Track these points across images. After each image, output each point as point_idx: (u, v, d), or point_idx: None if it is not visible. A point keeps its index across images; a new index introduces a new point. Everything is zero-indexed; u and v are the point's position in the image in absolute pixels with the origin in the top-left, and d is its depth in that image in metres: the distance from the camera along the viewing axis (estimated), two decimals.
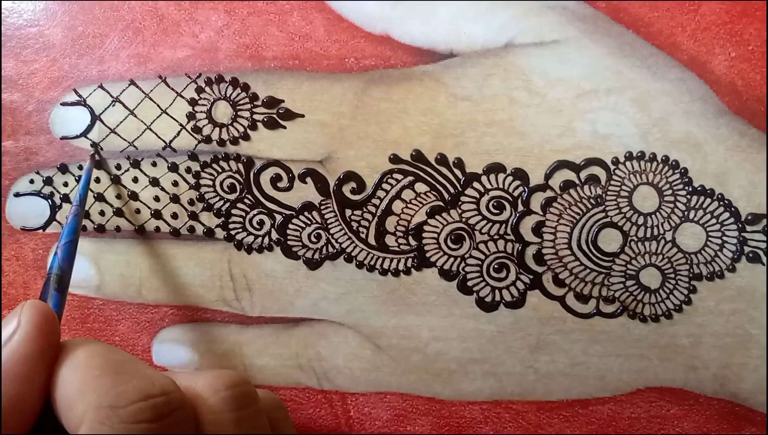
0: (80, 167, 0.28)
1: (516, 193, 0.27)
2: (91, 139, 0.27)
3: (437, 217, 0.27)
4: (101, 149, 0.27)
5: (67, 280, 0.23)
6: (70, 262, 0.23)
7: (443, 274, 0.27)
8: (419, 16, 0.26)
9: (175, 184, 0.27)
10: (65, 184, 0.28)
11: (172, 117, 0.27)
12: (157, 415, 0.18)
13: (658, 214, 0.26)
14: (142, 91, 0.27)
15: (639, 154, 0.26)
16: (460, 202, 0.27)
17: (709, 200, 0.26)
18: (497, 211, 0.27)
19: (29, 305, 0.20)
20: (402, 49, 0.27)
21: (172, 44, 0.27)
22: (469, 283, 0.27)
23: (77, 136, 0.28)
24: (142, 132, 0.27)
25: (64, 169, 0.28)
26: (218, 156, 0.27)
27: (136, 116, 0.27)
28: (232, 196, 0.27)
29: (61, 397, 0.19)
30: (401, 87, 0.27)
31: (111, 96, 0.27)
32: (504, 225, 0.27)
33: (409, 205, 0.27)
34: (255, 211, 0.27)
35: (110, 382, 0.18)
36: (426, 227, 0.27)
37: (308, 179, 0.27)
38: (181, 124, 0.27)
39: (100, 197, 0.28)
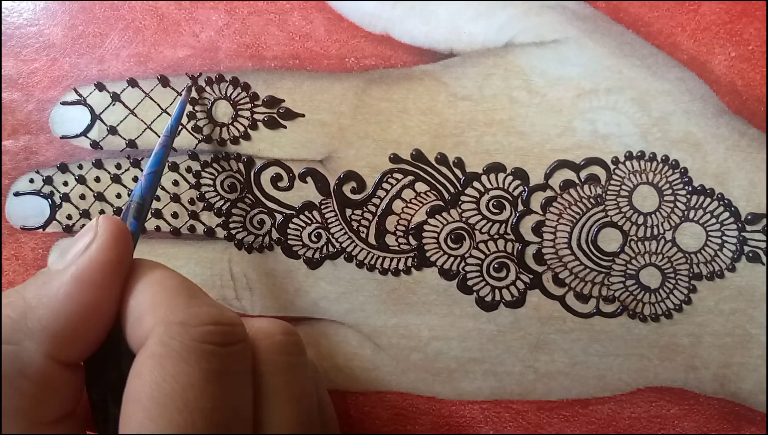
0: (80, 166, 0.28)
1: (516, 193, 0.27)
2: (91, 139, 0.27)
3: (437, 216, 0.27)
4: (196, 85, 0.27)
5: (147, 209, 0.23)
6: (152, 192, 0.23)
7: (443, 274, 0.27)
8: (419, 15, 0.26)
9: (176, 183, 0.27)
10: (65, 184, 0.28)
11: (195, 94, 0.27)
12: (224, 341, 0.18)
13: (658, 213, 0.26)
14: (143, 91, 0.27)
15: (639, 154, 0.26)
16: (460, 202, 0.27)
17: (709, 200, 0.26)
18: (497, 211, 0.27)
19: (105, 218, 0.20)
20: (402, 49, 0.27)
21: (173, 44, 0.27)
22: (469, 283, 0.27)
23: (77, 136, 0.28)
24: (142, 131, 0.27)
25: (63, 168, 0.28)
26: (219, 155, 0.27)
27: (136, 115, 0.27)
28: (233, 196, 0.27)
29: (132, 308, 0.19)
30: (401, 86, 0.27)
31: (111, 95, 0.27)
32: (504, 224, 0.27)
33: (409, 205, 0.27)
34: (255, 211, 0.27)
35: (184, 302, 0.19)
36: (426, 227, 0.27)
37: (308, 179, 0.27)
38: (181, 124, 0.27)
39: (100, 197, 0.28)
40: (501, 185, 0.27)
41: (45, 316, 0.18)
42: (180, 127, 0.27)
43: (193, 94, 0.27)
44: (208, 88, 0.27)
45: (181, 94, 0.27)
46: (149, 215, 0.28)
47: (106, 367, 0.19)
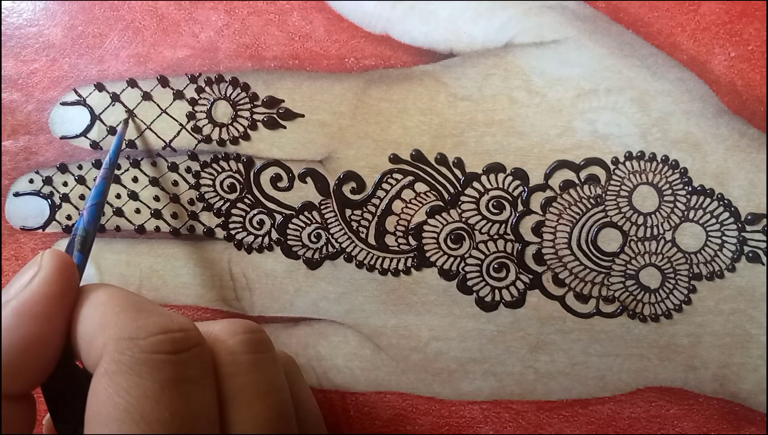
0: (80, 167, 0.28)
1: (516, 193, 0.27)
2: (91, 139, 0.27)
3: (437, 216, 0.27)
4: (134, 116, 0.27)
5: (90, 241, 0.23)
6: (95, 224, 0.23)
7: (443, 274, 0.27)
8: (419, 15, 0.26)
9: (175, 183, 0.27)
10: (65, 184, 0.28)
11: (172, 117, 0.27)
12: (176, 349, 0.18)
13: (657, 213, 0.26)
14: (142, 91, 0.27)
15: (639, 154, 0.26)
16: (460, 202, 0.27)
17: (708, 200, 0.26)
18: (497, 211, 0.27)
19: (49, 252, 0.20)
20: (402, 49, 0.27)
21: (172, 44, 0.27)
22: (469, 283, 0.27)
23: (77, 136, 0.28)
24: (142, 132, 0.27)
25: (63, 168, 0.28)
26: (218, 156, 0.27)
27: (135, 116, 0.27)
28: (232, 196, 0.27)
29: (82, 333, 0.19)
30: (401, 87, 0.27)
31: (111, 96, 0.27)
32: (504, 225, 0.27)
33: (409, 205, 0.27)
34: (255, 211, 0.27)
35: (131, 317, 0.19)
36: (426, 227, 0.27)
37: (308, 179, 0.27)
38: (181, 124, 0.27)
39: None
40: (501, 185, 0.27)
41: None
42: (180, 127, 0.27)
43: (193, 93, 0.27)
44: (207, 89, 0.27)
45: (181, 94, 0.27)
46: (149, 216, 0.28)
47: (68, 398, 0.19)
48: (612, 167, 0.26)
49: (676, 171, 0.26)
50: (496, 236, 0.27)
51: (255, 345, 0.21)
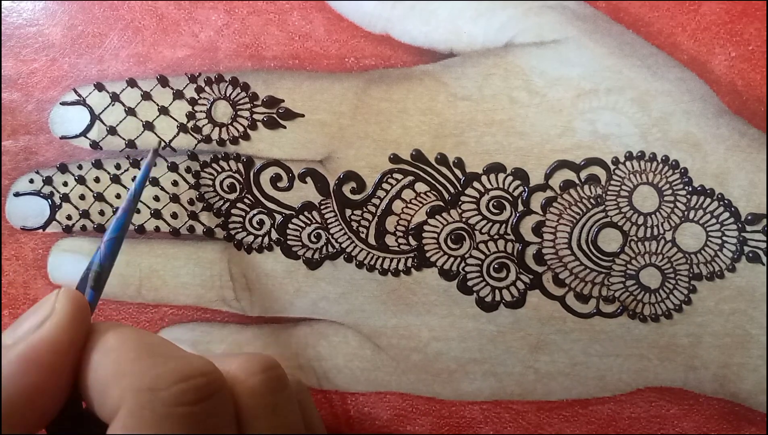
0: (80, 167, 0.28)
1: (516, 193, 0.27)
2: (91, 139, 0.27)
3: (437, 217, 0.27)
4: (164, 148, 0.27)
5: (105, 278, 0.22)
6: (112, 260, 0.22)
7: (443, 274, 0.27)
8: (419, 15, 0.26)
9: (175, 183, 0.27)
10: (65, 184, 0.28)
11: (171, 116, 0.27)
12: (199, 397, 0.18)
13: (658, 214, 0.26)
14: (142, 91, 0.27)
15: (639, 154, 0.26)
16: (460, 202, 0.27)
17: (709, 200, 0.26)
18: (497, 211, 0.27)
19: (65, 293, 0.19)
20: (402, 49, 0.27)
21: (172, 44, 0.27)
22: (469, 283, 0.27)
23: (77, 136, 0.28)
24: (142, 132, 0.27)
25: (63, 168, 0.28)
26: (218, 156, 0.27)
27: (135, 116, 0.27)
28: (232, 196, 0.27)
29: (93, 382, 0.18)
30: (401, 87, 0.27)
31: (110, 95, 0.27)
32: (504, 225, 0.27)
33: (409, 205, 0.27)
34: (255, 211, 0.27)
35: (147, 365, 0.18)
36: (426, 227, 0.27)
37: (308, 179, 0.27)
38: (180, 124, 0.27)
39: (99, 197, 0.28)
40: (501, 185, 0.27)
41: None
42: (179, 126, 0.27)
43: (192, 93, 0.27)
44: (207, 88, 0.27)
45: (181, 94, 0.27)
46: (149, 216, 0.28)
47: None
48: (612, 167, 0.26)
49: (676, 171, 0.26)
50: (496, 236, 0.27)
51: (274, 384, 0.21)
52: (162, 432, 0.17)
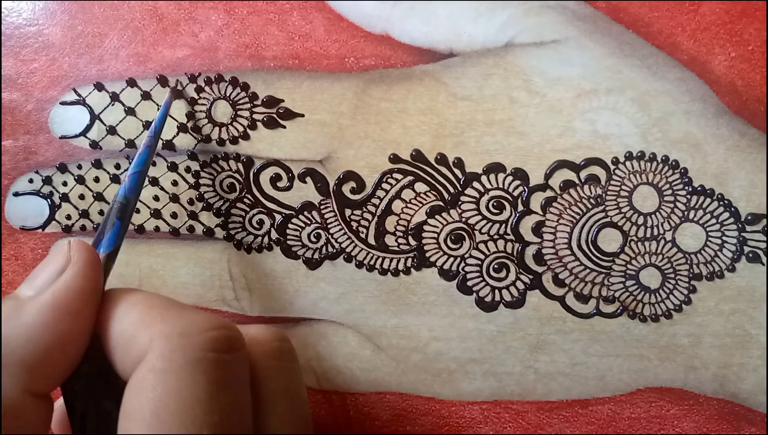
0: (80, 166, 0.28)
1: (516, 193, 0.27)
2: (90, 139, 0.27)
3: (437, 216, 0.27)
4: (183, 87, 0.27)
5: (131, 209, 0.22)
6: (137, 192, 0.23)
7: (443, 274, 0.27)
8: (419, 15, 0.26)
9: (175, 183, 0.27)
10: (64, 184, 0.28)
11: (171, 116, 0.27)
12: (230, 346, 0.18)
13: (658, 214, 0.26)
14: (142, 90, 0.27)
15: (639, 154, 0.26)
16: (460, 202, 0.27)
17: (708, 200, 0.26)
18: (497, 211, 0.27)
19: (79, 243, 0.19)
20: (402, 49, 0.27)
21: (172, 44, 0.27)
22: (469, 283, 0.27)
23: (76, 136, 0.28)
24: (142, 131, 0.27)
25: (63, 168, 0.28)
26: (218, 155, 0.27)
27: (135, 116, 0.27)
28: (232, 196, 0.27)
29: (119, 333, 0.18)
30: (401, 87, 0.27)
31: (110, 95, 0.27)
32: (504, 225, 0.27)
33: (409, 205, 0.27)
34: (254, 211, 0.27)
35: (177, 313, 0.18)
36: (426, 227, 0.27)
37: (308, 179, 0.27)
38: (180, 124, 0.27)
39: (99, 197, 0.28)
40: (501, 185, 0.27)
41: (21, 348, 0.17)
42: (179, 126, 0.27)
43: (192, 93, 0.27)
44: (207, 88, 0.27)
45: (180, 93, 0.27)
46: (148, 216, 0.28)
47: (90, 397, 0.19)
48: (612, 167, 0.26)
49: (676, 171, 0.26)
50: (496, 236, 0.27)
51: (288, 353, 0.21)
52: (192, 374, 0.17)
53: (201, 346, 0.17)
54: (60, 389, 0.19)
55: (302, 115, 0.27)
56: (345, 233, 0.27)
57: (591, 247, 0.26)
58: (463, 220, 0.27)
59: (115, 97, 0.27)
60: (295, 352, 0.22)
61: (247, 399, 0.18)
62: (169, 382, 0.17)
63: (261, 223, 0.27)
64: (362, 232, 0.27)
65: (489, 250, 0.27)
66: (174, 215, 0.28)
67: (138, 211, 0.28)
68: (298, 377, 0.21)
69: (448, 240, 0.27)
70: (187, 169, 0.27)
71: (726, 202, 0.26)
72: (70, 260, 0.19)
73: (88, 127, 0.28)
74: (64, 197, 0.28)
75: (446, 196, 0.27)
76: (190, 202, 0.27)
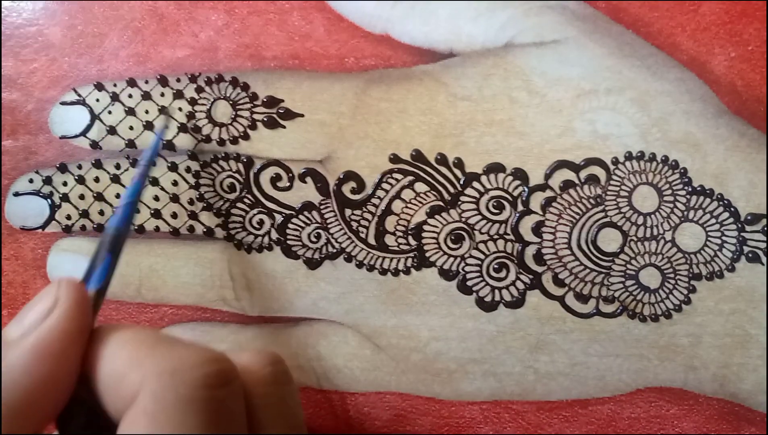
0: (80, 166, 0.28)
1: (516, 193, 0.27)
2: (90, 139, 0.27)
3: (437, 216, 0.27)
4: (167, 109, 0.27)
5: (122, 242, 0.22)
6: (129, 223, 0.22)
7: (443, 274, 0.27)
8: (419, 15, 0.26)
9: (175, 183, 0.27)
10: (64, 184, 0.28)
11: (171, 116, 0.27)
12: (221, 381, 0.17)
13: (657, 214, 0.26)
14: (142, 91, 0.27)
15: (639, 154, 0.26)
16: (459, 202, 0.27)
17: (708, 200, 0.26)
18: (497, 211, 0.27)
19: (68, 282, 0.19)
20: (402, 49, 0.27)
21: (172, 44, 0.27)
22: (469, 283, 0.27)
23: (76, 136, 0.28)
24: (141, 131, 0.27)
25: (63, 168, 0.28)
26: (218, 155, 0.27)
27: (135, 116, 0.27)
28: (232, 196, 0.27)
29: (107, 372, 0.18)
30: (401, 87, 0.27)
31: (110, 95, 0.27)
32: (504, 225, 0.27)
33: (409, 205, 0.27)
34: (255, 211, 0.27)
35: (167, 350, 0.18)
36: (426, 227, 0.27)
37: (308, 179, 0.27)
38: (180, 124, 0.27)
39: (99, 197, 0.28)
40: (501, 185, 0.27)
41: (4, 391, 0.17)
42: (179, 126, 0.27)
43: (192, 93, 0.27)
44: (207, 88, 0.27)
45: (180, 93, 0.27)
46: (148, 216, 0.28)
47: None
48: (612, 167, 0.26)
49: (676, 171, 0.26)
50: (496, 236, 0.27)
51: (283, 377, 0.21)
52: (184, 414, 0.16)
53: (193, 383, 0.17)
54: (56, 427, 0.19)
55: (302, 115, 0.27)
56: (345, 233, 0.27)
57: (591, 247, 0.26)
58: (463, 220, 0.27)
59: (115, 97, 0.27)
60: (289, 373, 0.21)
61: (243, 430, 0.18)
62: (162, 424, 0.16)
63: (261, 223, 0.27)
64: (362, 232, 0.27)
65: (489, 250, 0.27)
66: (174, 215, 0.28)
67: (138, 211, 0.28)
68: (293, 399, 0.21)
69: (448, 240, 0.27)
70: (188, 169, 0.27)
71: (726, 202, 0.26)
72: (58, 300, 0.18)
73: (88, 127, 0.28)
74: (64, 197, 0.28)
75: (446, 196, 0.27)
76: (191, 202, 0.28)
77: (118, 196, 0.28)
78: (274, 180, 0.27)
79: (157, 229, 0.28)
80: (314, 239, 0.27)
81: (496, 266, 0.27)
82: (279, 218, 0.27)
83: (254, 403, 0.19)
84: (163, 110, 0.27)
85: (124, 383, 0.17)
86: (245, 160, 0.27)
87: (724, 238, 0.26)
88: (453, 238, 0.27)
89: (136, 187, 0.23)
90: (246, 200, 0.27)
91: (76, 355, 0.18)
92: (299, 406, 0.22)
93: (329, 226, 0.27)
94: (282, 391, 0.20)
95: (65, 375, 0.18)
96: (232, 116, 0.27)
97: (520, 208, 0.27)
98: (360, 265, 0.27)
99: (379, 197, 0.27)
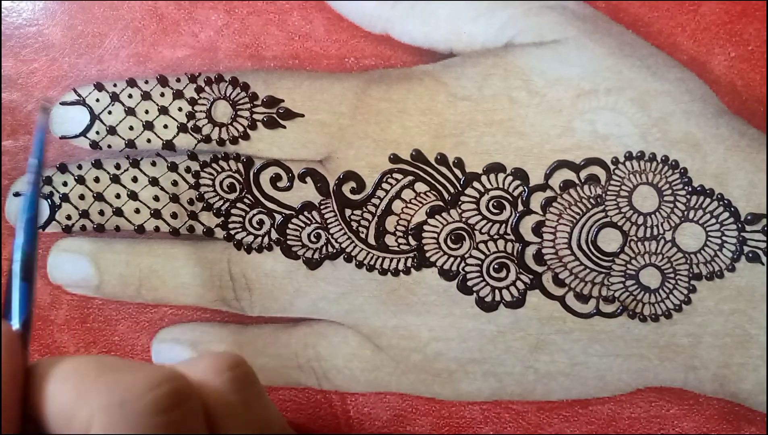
0: (80, 167, 0.28)
1: (516, 193, 0.27)
2: (90, 139, 0.27)
3: (437, 216, 0.27)
4: (49, 106, 0.26)
5: (33, 264, 0.20)
6: (34, 243, 0.20)
7: (443, 274, 0.27)
8: (419, 15, 0.26)
9: (175, 183, 0.27)
10: (64, 184, 0.28)
11: (171, 116, 0.27)
12: (173, 403, 0.17)
13: (657, 213, 0.26)
14: (142, 91, 0.27)
15: (639, 154, 0.26)
16: (460, 202, 0.27)
17: (708, 200, 0.26)
18: (497, 211, 0.27)
19: None
20: (402, 49, 0.27)
21: (172, 44, 0.27)
22: (469, 283, 0.27)
23: (76, 136, 0.28)
24: (142, 131, 0.27)
25: (63, 168, 0.28)
26: (218, 155, 0.27)
27: (135, 115, 0.27)
28: (232, 196, 0.27)
29: (55, 411, 0.17)
30: (401, 87, 0.27)
31: (110, 95, 0.27)
32: (504, 225, 0.27)
33: (409, 205, 0.27)
34: (255, 211, 0.27)
35: (113, 379, 0.17)
36: (426, 227, 0.27)
37: (308, 179, 0.27)
38: (180, 124, 0.27)
39: (99, 197, 0.28)
40: (501, 185, 0.27)
41: None
42: (179, 126, 0.27)
43: (192, 93, 0.27)
44: (207, 88, 0.27)
45: (180, 94, 0.27)
46: (148, 216, 0.28)
47: None
48: (612, 167, 0.26)
49: (676, 171, 0.26)
50: (496, 236, 0.27)
51: (242, 381, 0.20)
52: None
53: (144, 411, 0.16)
54: None
55: (302, 115, 0.27)
56: (345, 233, 0.27)
57: (591, 247, 0.26)
58: (463, 220, 0.27)
59: (115, 98, 0.27)
60: (251, 374, 0.20)
61: None
62: None
63: (261, 223, 0.27)
64: (362, 232, 0.27)
65: (489, 250, 0.27)
66: (174, 215, 0.28)
67: (138, 212, 0.28)
68: (259, 400, 0.20)
69: (448, 240, 0.27)
70: (187, 169, 0.27)
71: (726, 202, 0.26)
72: None
73: (88, 127, 0.28)
74: (64, 197, 0.28)
75: (446, 196, 0.27)
76: (190, 202, 0.27)
77: (118, 196, 0.28)
78: (274, 180, 0.27)
79: (156, 229, 0.28)
80: (314, 239, 0.27)
81: (496, 266, 0.27)
82: (279, 218, 0.27)
83: (216, 414, 0.18)
84: (43, 105, 0.26)
85: (74, 422, 0.16)
86: (245, 160, 0.27)
87: (724, 238, 0.26)
88: (453, 238, 0.27)
89: (31, 198, 0.21)
90: (246, 200, 0.27)
91: (15, 399, 0.17)
92: (267, 406, 0.21)
93: (329, 226, 0.27)
94: (244, 397, 0.20)
95: (6, 422, 0.17)
96: (232, 116, 0.27)
97: (520, 208, 0.27)
98: (360, 265, 0.27)
99: (379, 197, 0.27)
